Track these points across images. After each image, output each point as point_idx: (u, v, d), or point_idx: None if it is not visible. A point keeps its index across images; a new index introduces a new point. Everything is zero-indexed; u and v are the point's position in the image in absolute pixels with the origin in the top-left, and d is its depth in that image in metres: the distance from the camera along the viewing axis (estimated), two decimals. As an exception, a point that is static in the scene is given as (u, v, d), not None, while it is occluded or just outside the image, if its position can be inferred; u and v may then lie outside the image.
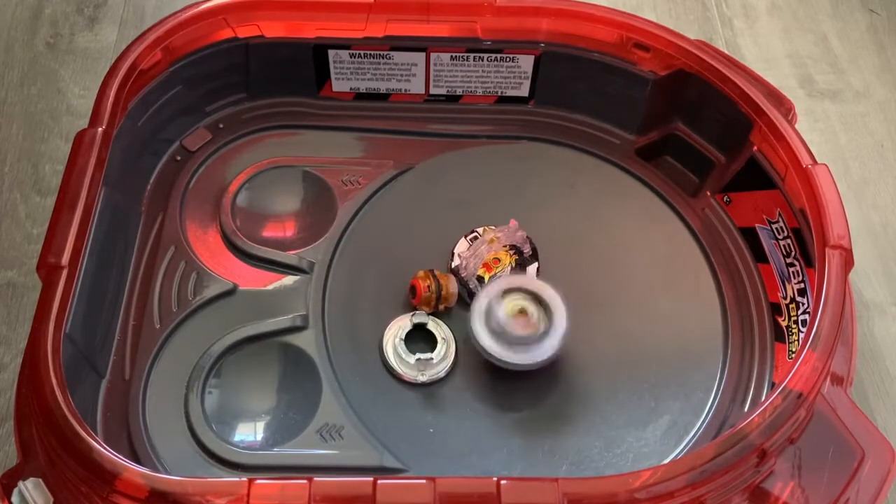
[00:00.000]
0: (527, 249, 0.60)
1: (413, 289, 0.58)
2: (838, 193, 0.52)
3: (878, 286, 0.63)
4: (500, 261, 0.59)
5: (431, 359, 0.56)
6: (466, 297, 0.59)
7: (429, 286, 0.57)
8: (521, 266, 0.60)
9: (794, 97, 0.63)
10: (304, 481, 0.42)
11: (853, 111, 0.75)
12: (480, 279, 0.59)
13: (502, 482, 0.43)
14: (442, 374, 0.56)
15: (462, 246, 0.61)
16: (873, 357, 0.61)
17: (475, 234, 0.61)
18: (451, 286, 0.58)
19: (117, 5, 0.78)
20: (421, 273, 0.58)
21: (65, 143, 0.70)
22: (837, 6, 0.82)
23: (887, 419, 0.59)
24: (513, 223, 0.61)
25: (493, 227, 0.61)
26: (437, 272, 0.58)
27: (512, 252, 0.60)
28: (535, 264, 0.60)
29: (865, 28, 0.80)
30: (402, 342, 0.56)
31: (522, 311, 0.54)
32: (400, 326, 0.57)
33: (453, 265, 0.60)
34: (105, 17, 0.77)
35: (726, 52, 0.76)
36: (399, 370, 0.56)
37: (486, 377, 0.56)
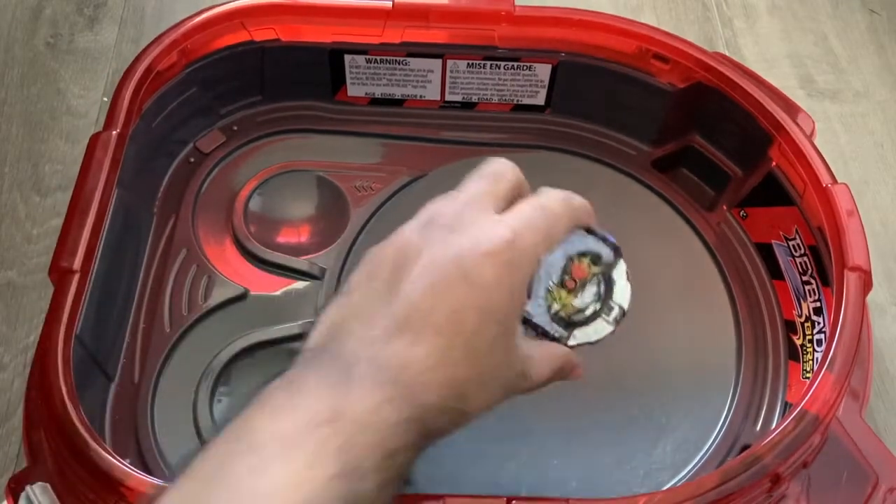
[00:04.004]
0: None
1: None
2: (858, 214, 0.52)
3: (878, 286, 0.62)
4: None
5: None
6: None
7: None
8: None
9: (794, 97, 0.63)
10: (313, 496, 0.42)
11: (853, 111, 0.74)
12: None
13: (512, 501, 0.42)
14: None
15: None
16: (873, 357, 0.60)
17: None
18: None
19: (117, 5, 0.78)
20: None
21: (65, 143, 0.69)
22: (837, 6, 0.82)
23: (887, 419, 0.58)
24: None
25: None
26: None
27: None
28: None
29: (865, 28, 0.80)
30: None
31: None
32: None
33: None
34: (105, 17, 0.77)
35: (726, 52, 0.76)
36: None
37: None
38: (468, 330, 0.37)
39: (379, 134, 0.67)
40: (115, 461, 0.43)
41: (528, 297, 0.41)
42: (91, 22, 0.77)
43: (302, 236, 0.62)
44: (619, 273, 0.44)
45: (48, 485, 0.44)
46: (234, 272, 0.60)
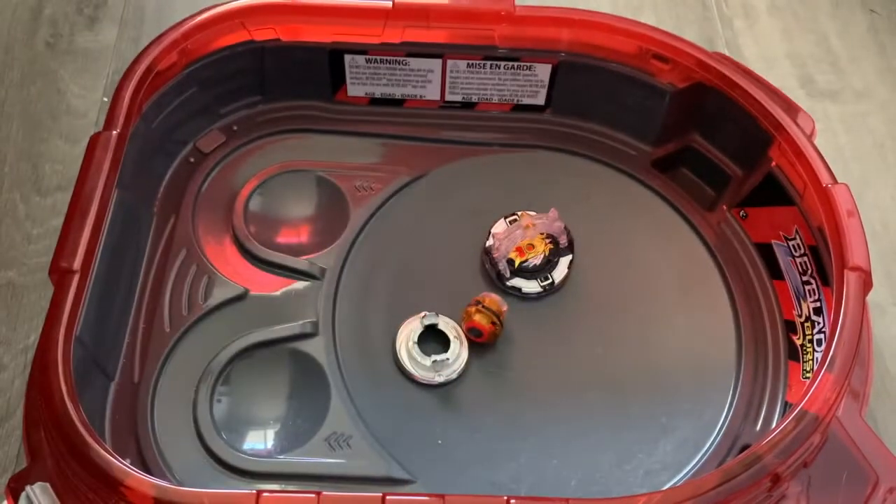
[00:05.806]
0: (563, 241, 0.60)
1: (474, 330, 0.56)
2: (858, 213, 0.52)
3: (878, 286, 0.62)
4: (534, 247, 0.59)
5: (447, 359, 0.55)
6: (496, 279, 0.59)
7: (493, 323, 0.56)
8: (554, 255, 0.60)
9: (795, 97, 0.63)
10: (313, 495, 0.42)
11: (854, 111, 0.75)
12: (511, 262, 0.59)
13: (511, 500, 0.42)
14: (454, 376, 0.56)
15: (499, 227, 0.61)
16: (873, 356, 0.60)
17: (515, 216, 0.61)
18: (502, 305, 0.57)
19: (117, 5, 0.78)
20: (471, 310, 0.56)
21: (64, 143, 0.70)
22: (838, 6, 0.82)
23: (887, 418, 0.59)
24: (553, 212, 0.60)
25: (531, 213, 0.61)
26: (482, 300, 0.57)
27: (548, 241, 0.60)
28: (570, 256, 0.60)
29: (866, 28, 0.80)
30: (416, 345, 0.56)
31: None
32: (411, 329, 0.57)
33: (487, 244, 0.60)
34: (105, 17, 0.77)
35: (726, 52, 0.76)
36: (415, 373, 0.56)
37: (496, 385, 0.56)
38: None
39: (379, 134, 0.67)
40: (114, 461, 0.43)
41: None
42: (91, 22, 0.77)
43: (302, 236, 0.62)
44: None
45: (48, 484, 0.45)
46: (234, 272, 0.60)
